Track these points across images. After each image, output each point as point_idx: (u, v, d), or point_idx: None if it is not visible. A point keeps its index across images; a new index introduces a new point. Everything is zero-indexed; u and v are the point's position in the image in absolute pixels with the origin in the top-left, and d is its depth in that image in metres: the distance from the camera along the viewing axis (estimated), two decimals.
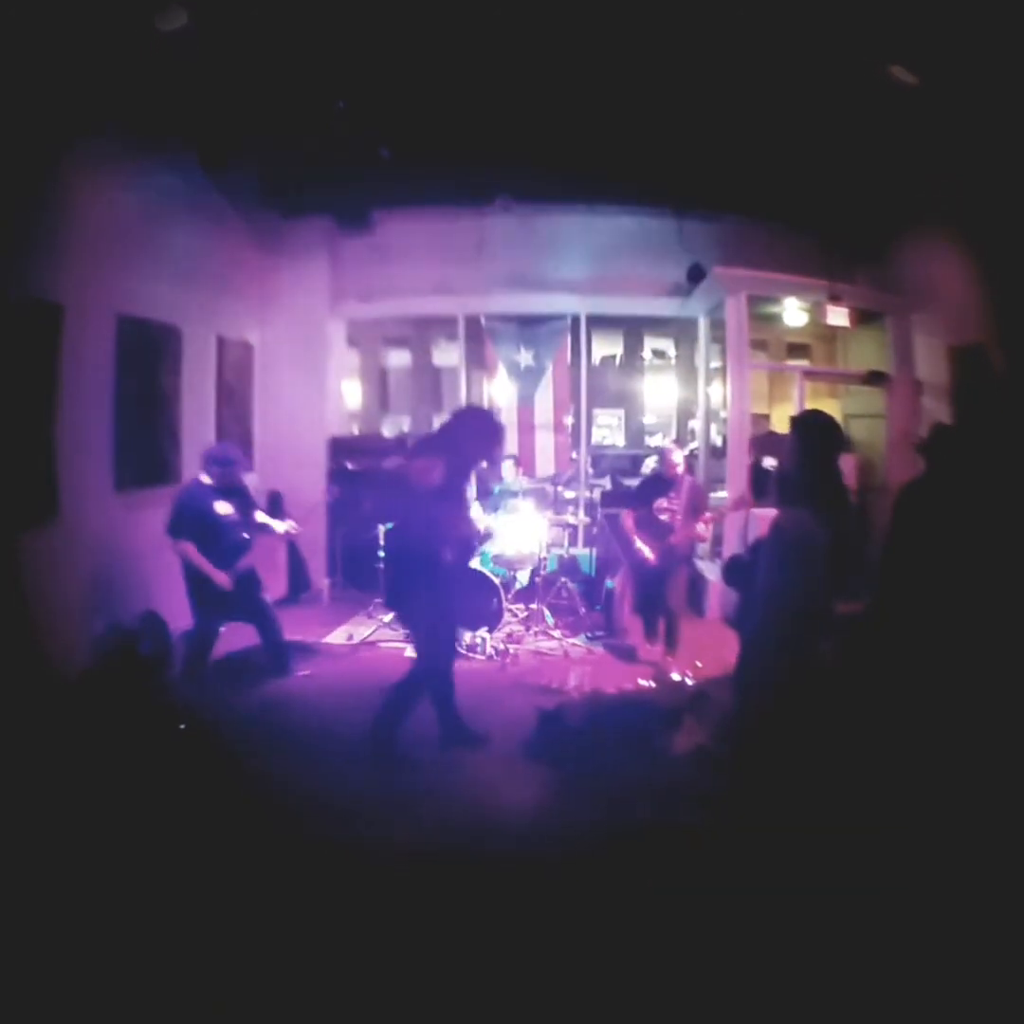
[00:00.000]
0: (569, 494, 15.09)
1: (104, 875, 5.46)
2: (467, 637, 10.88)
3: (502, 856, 5.98)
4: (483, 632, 10.97)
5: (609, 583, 12.12)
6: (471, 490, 7.88)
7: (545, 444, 15.12)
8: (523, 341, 14.85)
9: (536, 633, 11.74)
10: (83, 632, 8.81)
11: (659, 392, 29.08)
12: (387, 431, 24.74)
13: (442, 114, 10.17)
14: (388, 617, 11.81)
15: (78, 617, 8.86)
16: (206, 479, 9.29)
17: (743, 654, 6.44)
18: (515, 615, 12.08)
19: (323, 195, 12.51)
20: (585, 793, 6.95)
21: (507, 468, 13.37)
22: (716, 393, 16.19)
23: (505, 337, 14.89)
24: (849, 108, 9.27)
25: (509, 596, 11.92)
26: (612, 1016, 4.36)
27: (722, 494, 13.42)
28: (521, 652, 11.08)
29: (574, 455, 15.88)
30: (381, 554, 11.57)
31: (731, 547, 11.83)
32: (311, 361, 14.27)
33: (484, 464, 8.25)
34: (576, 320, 15.01)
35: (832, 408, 14.63)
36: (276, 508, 12.08)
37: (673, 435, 26.15)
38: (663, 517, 10.37)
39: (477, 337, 15.28)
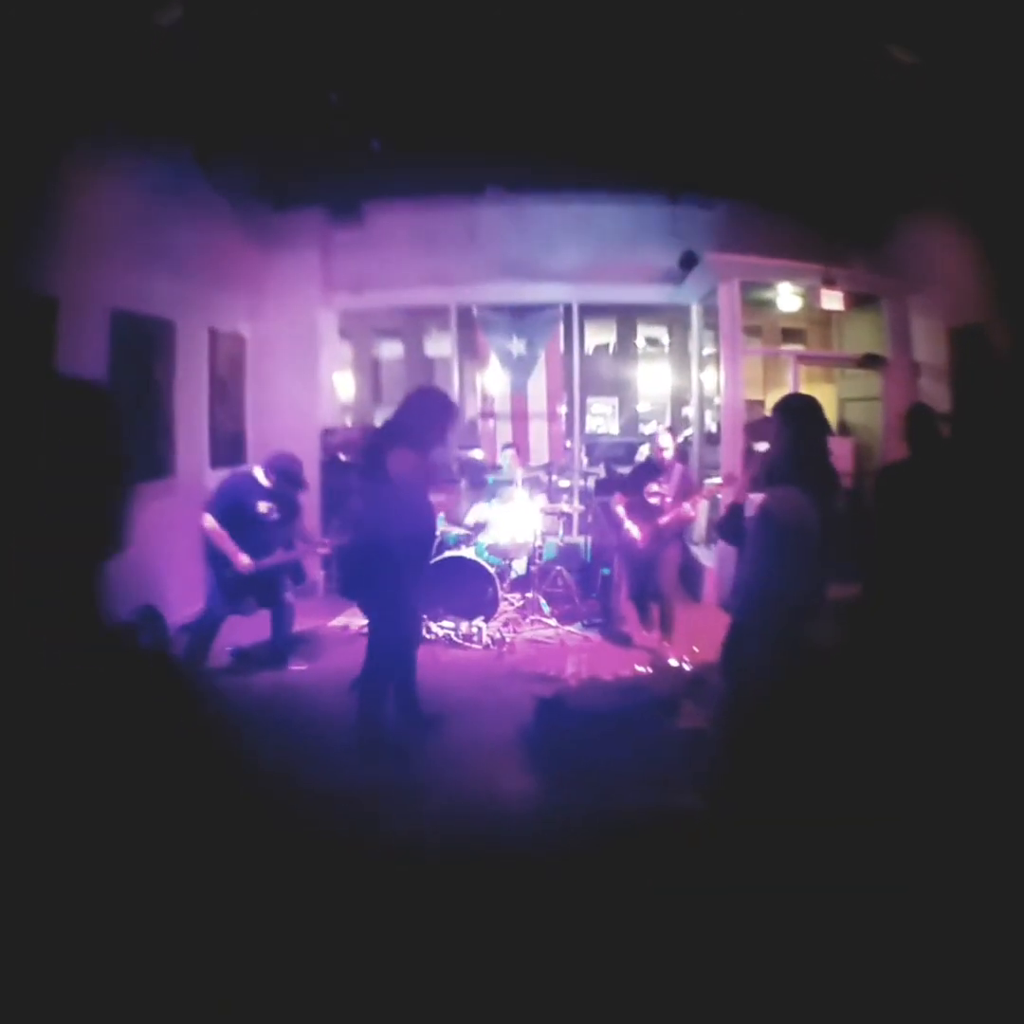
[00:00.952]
0: (564, 483, 15.08)
1: (97, 871, 5.44)
2: (464, 626, 10.90)
3: (500, 844, 5.99)
4: (479, 621, 10.98)
5: (605, 570, 12.13)
6: (430, 476, 7.90)
7: (539, 433, 15.11)
8: (515, 330, 14.84)
9: (532, 621, 11.75)
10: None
11: (652, 380, 29.17)
12: (379, 422, 24.77)
13: (433, 104, 10.15)
14: None
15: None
16: (261, 478, 9.39)
17: (732, 637, 6.44)
18: (511, 604, 12.08)
19: (315, 187, 12.51)
20: (582, 780, 6.95)
21: (505, 457, 13.38)
22: (710, 380, 16.19)
23: (497, 327, 14.88)
24: (841, 89, 9.24)
25: (505, 585, 11.93)
26: (610, 1006, 4.36)
27: (717, 480, 13.43)
28: (517, 641, 11.08)
29: (568, 443, 15.87)
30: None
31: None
32: (303, 353, 14.26)
33: (440, 447, 7.95)
34: (568, 309, 15.03)
35: (827, 392, 14.66)
36: None
37: (667, 422, 26.16)
38: (653, 502, 10.40)
39: (469, 327, 15.24)
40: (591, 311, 19.00)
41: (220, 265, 12.61)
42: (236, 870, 5.64)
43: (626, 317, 28.51)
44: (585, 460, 16.79)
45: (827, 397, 9.34)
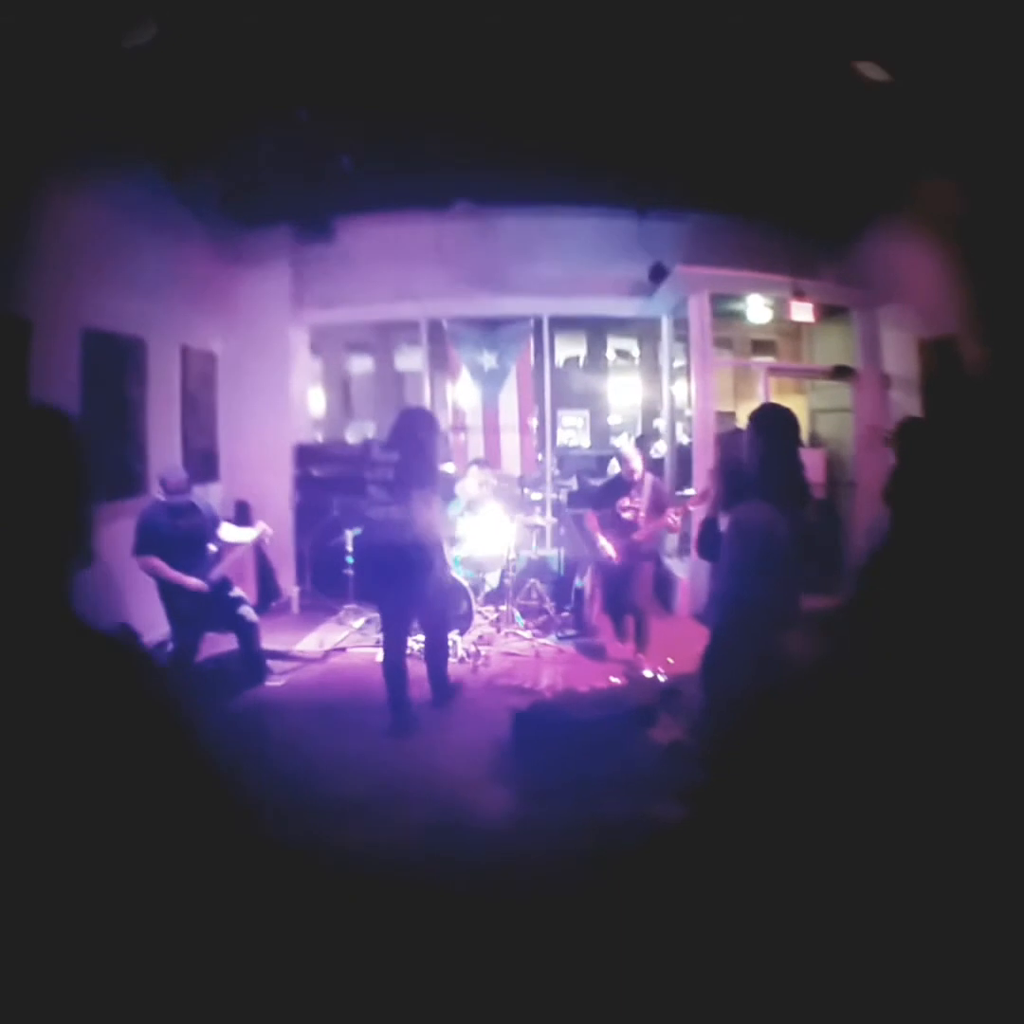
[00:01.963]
0: (536, 496, 15.09)
1: (84, 884, 5.44)
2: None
3: (477, 856, 6.00)
4: (454, 635, 10.98)
5: (578, 583, 12.14)
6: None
7: (510, 446, 15.12)
8: (486, 344, 14.84)
9: (507, 634, 11.78)
10: None
11: (623, 392, 29.17)
12: (351, 437, 24.72)
13: (401, 119, 10.18)
14: (358, 623, 11.87)
15: None
16: (162, 498, 9.37)
17: (710, 649, 6.46)
18: (485, 617, 12.08)
19: (284, 204, 12.52)
20: (559, 791, 6.96)
21: (474, 472, 13.40)
22: (680, 392, 16.24)
23: (468, 340, 14.88)
24: (810, 102, 9.29)
25: (479, 599, 11.93)
26: (591, 1013, 4.37)
27: (690, 492, 13.47)
28: (492, 654, 11.11)
29: (540, 457, 15.88)
30: (350, 559, 11.73)
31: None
32: (274, 369, 14.26)
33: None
34: (539, 322, 15.03)
35: (798, 404, 14.69)
36: (243, 518, 12.08)
37: (638, 435, 26.17)
38: (627, 516, 10.42)
39: (440, 341, 15.25)
40: (561, 324, 19.03)
41: (191, 283, 12.60)
42: (219, 885, 5.65)
43: (596, 330, 28.52)
44: (557, 472, 16.77)
45: (798, 409, 9.36)
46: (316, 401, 20.92)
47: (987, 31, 7.31)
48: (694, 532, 8.05)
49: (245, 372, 13.94)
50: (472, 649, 10.98)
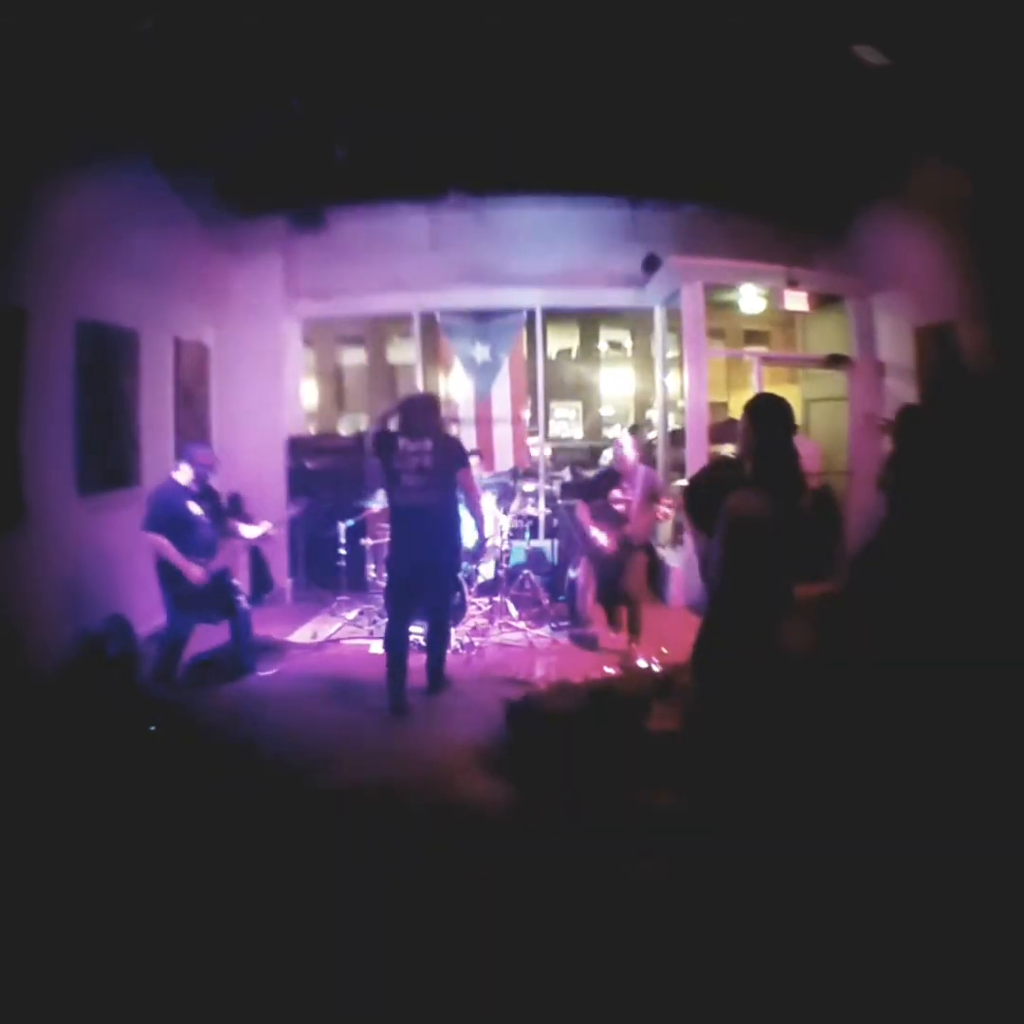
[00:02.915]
0: (529, 487, 15.08)
1: (76, 878, 5.45)
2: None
3: (471, 847, 6.00)
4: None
5: (572, 573, 12.13)
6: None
7: (503, 438, 15.11)
8: (479, 336, 14.82)
9: (500, 625, 11.75)
10: (50, 637, 8.78)
11: (616, 383, 29.22)
12: (344, 430, 24.73)
13: (395, 110, 10.16)
14: (352, 615, 11.87)
15: (44, 622, 8.83)
16: (181, 478, 9.37)
17: (699, 640, 6.46)
18: (479, 608, 12.08)
19: (278, 195, 12.49)
20: (554, 781, 6.96)
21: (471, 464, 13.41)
22: (673, 383, 16.21)
23: (460, 332, 14.86)
24: (804, 89, 9.27)
25: (472, 590, 11.92)
26: (581, 1005, 4.38)
27: (682, 482, 13.47)
28: (486, 645, 11.10)
29: (533, 448, 15.87)
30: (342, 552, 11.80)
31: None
32: (267, 361, 14.23)
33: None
34: (531, 313, 15.00)
35: (792, 393, 14.70)
36: (237, 510, 12.08)
37: (630, 425, 26.19)
38: (619, 507, 10.43)
39: (432, 333, 15.24)
40: (554, 315, 19.00)
41: (184, 274, 12.58)
42: (215, 875, 5.66)
43: (589, 321, 28.57)
44: (550, 464, 16.75)
45: (792, 398, 9.37)
46: (309, 393, 20.93)
47: (982, 14, 7.31)
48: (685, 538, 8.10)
49: (238, 364, 13.92)
50: (466, 640, 10.96)
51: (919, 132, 9.51)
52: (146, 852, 5.78)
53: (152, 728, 7.63)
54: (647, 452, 13.11)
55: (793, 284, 12.94)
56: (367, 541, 12.26)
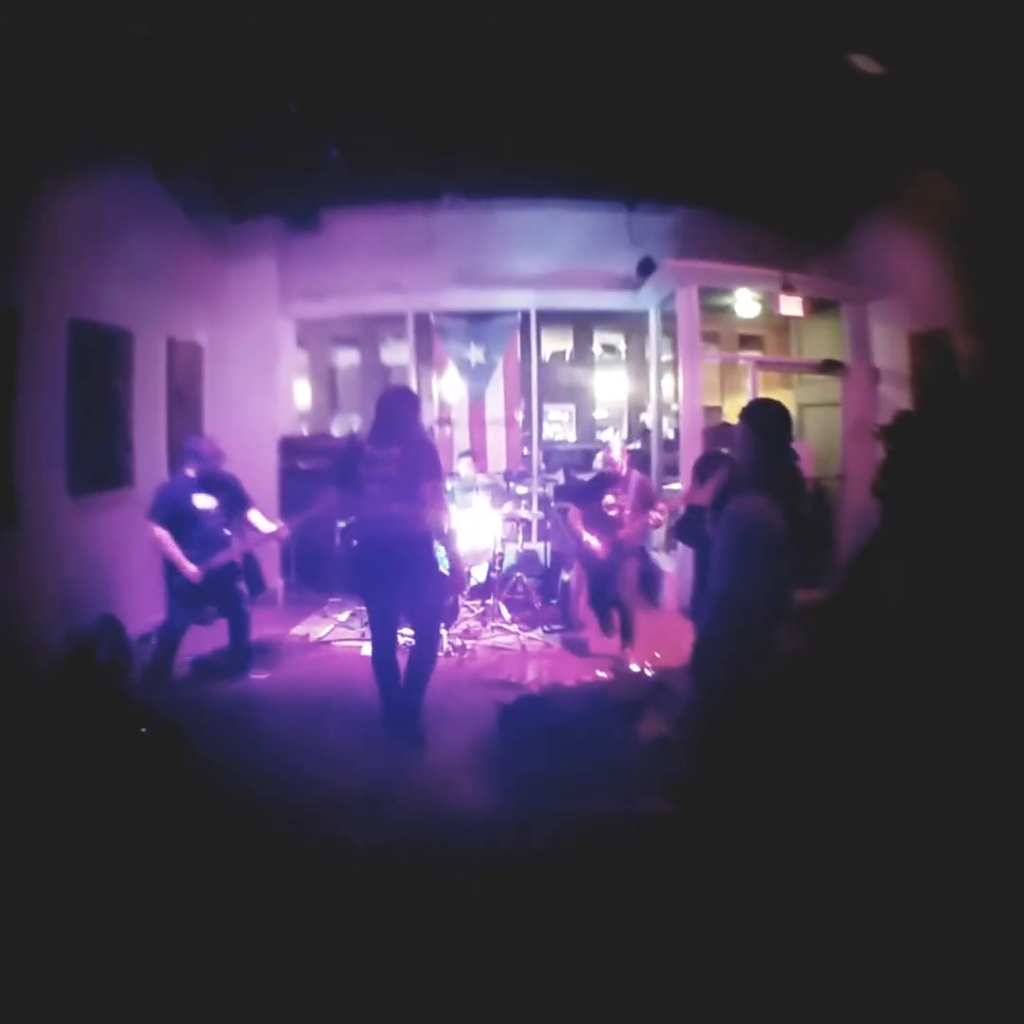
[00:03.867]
0: (522, 489, 15.08)
1: (69, 881, 5.43)
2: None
3: (462, 851, 5.98)
4: (439, 628, 10.95)
5: (564, 576, 12.14)
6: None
7: (497, 440, 15.10)
8: (473, 337, 14.82)
9: (493, 628, 11.75)
10: (40, 638, 8.75)
11: (610, 387, 29.23)
12: (337, 430, 24.70)
13: (391, 111, 10.13)
14: (343, 616, 11.84)
15: (35, 623, 8.80)
16: (190, 472, 9.43)
17: (699, 644, 6.44)
18: (471, 611, 12.06)
19: (272, 196, 12.47)
20: (545, 786, 6.94)
21: (462, 465, 13.39)
22: (667, 386, 16.22)
23: (454, 334, 14.86)
24: (801, 95, 9.26)
25: (465, 592, 11.91)
26: (577, 1007, 4.36)
27: (676, 486, 13.48)
28: (478, 647, 11.07)
29: (526, 451, 15.87)
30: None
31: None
32: (261, 362, 14.17)
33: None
34: (526, 316, 15.00)
35: (785, 398, 14.69)
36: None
37: (624, 429, 26.21)
38: (612, 513, 10.44)
39: (426, 334, 15.22)
40: (548, 318, 18.98)
41: (178, 274, 12.55)
42: (207, 879, 5.64)
43: (583, 324, 28.57)
44: (543, 466, 16.76)
45: (786, 403, 9.37)
46: (302, 394, 20.90)
47: (979, 23, 7.30)
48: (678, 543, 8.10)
49: (231, 364, 13.87)
50: (458, 643, 10.93)
51: (916, 140, 9.51)
52: (131, 857, 5.75)
53: (142, 731, 7.59)
54: (634, 457, 13.12)
55: (788, 289, 12.94)
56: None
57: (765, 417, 6.34)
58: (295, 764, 7.36)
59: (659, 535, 13.88)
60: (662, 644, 10.27)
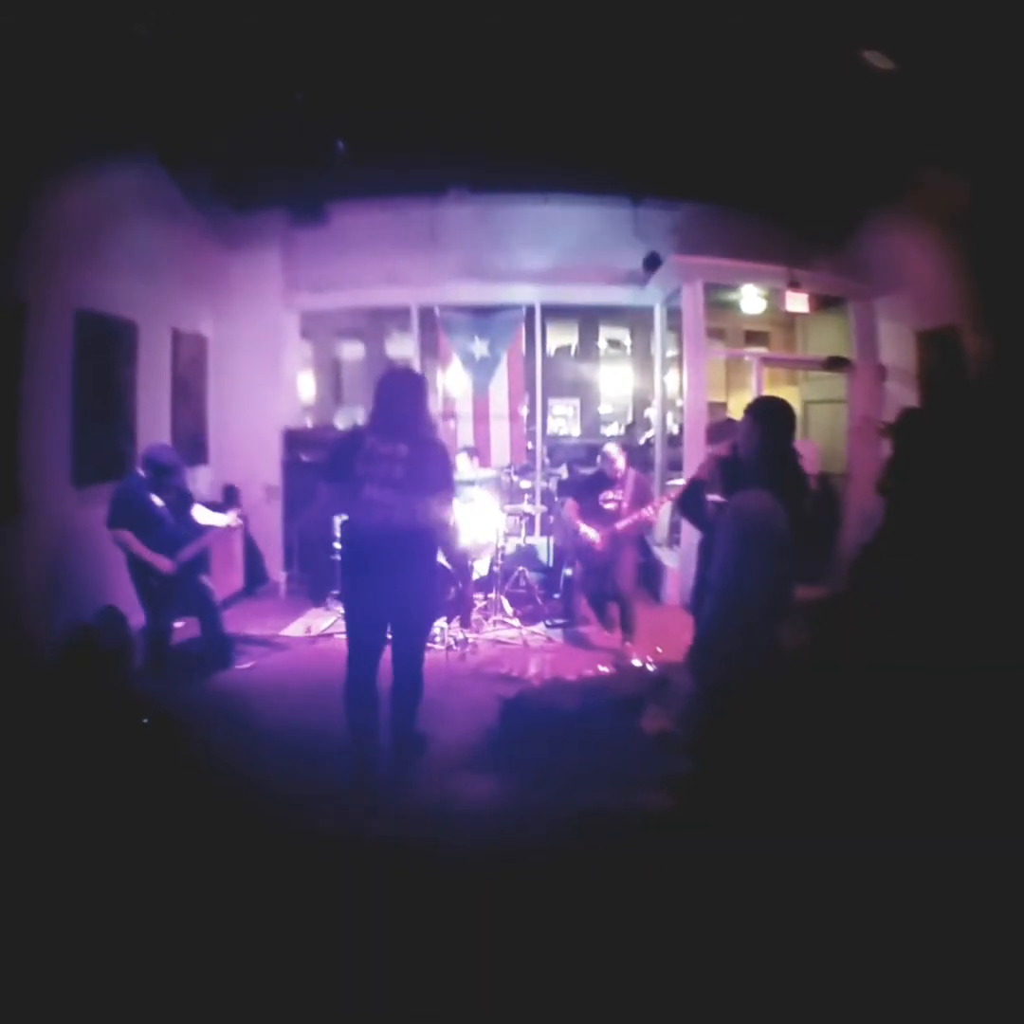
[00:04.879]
0: (525, 484, 15.07)
1: (68, 872, 5.43)
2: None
3: (463, 845, 5.97)
4: (441, 622, 10.94)
5: (567, 571, 12.14)
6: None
7: (501, 434, 15.09)
8: (477, 331, 14.79)
9: (495, 622, 11.77)
10: (43, 628, 8.75)
11: (615, 381, 29.20)
12: (340, 423, 24.69)
13: (397, 104, 10.12)
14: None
15: (38, 612, 8.81)
16: (142, 473, 9.33)
17: (701, 639, 6.44)
18: (473, 605, 12.04)
19: (278, 188, 12.45)
20: (546, 780, 6.93)
21: (461, 460, 13.40)
22: (672, 382, 16.20)
23: (459, 327, 14.84)
24: (808, 90, 9.23)
25: (470, 586, 11.92)
26: (577, 1002, 4.36)
27: (679, 481, 13.48)
28: (480, 641, 11.07)
29: (530, 445, 15.86)
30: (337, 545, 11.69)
31: (687, 532, 11.86)
32: (265, 354, 14.19)
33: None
34: (531, 310, 14.99)
35: (791, 395, 14.68)
36: (231, 502, 12.06)
37: (629, 423, 26.22)
38: (608, 507, 10.49)
39: (431, 328, 15.19)
40: (553, 312, 18.98)
41: (183, 266, 12.55)
42: (205, 870, 5.63)
43: (588, 319, 28.55)
44: (547, 461, 16.75)
45: (791, 400, 9.36)
46: (306, 386, 20.91)
47: (988, 19, 7.28)
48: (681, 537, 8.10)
49: (236, 356, 13.88)
50: (460, 636, 10.91)
51: (924, 137, 9.48)
52: (130, 847, 5.75)
53: (145, 721, 7.59)
54: (641, 454, 13.13)
55: (794, 285, 12.91)
56: None
57: (770, 413, 6.35)
58: (291, 756, 7.36)
59: (661, 530, 13.89)
60: (664, 639, 10.27)
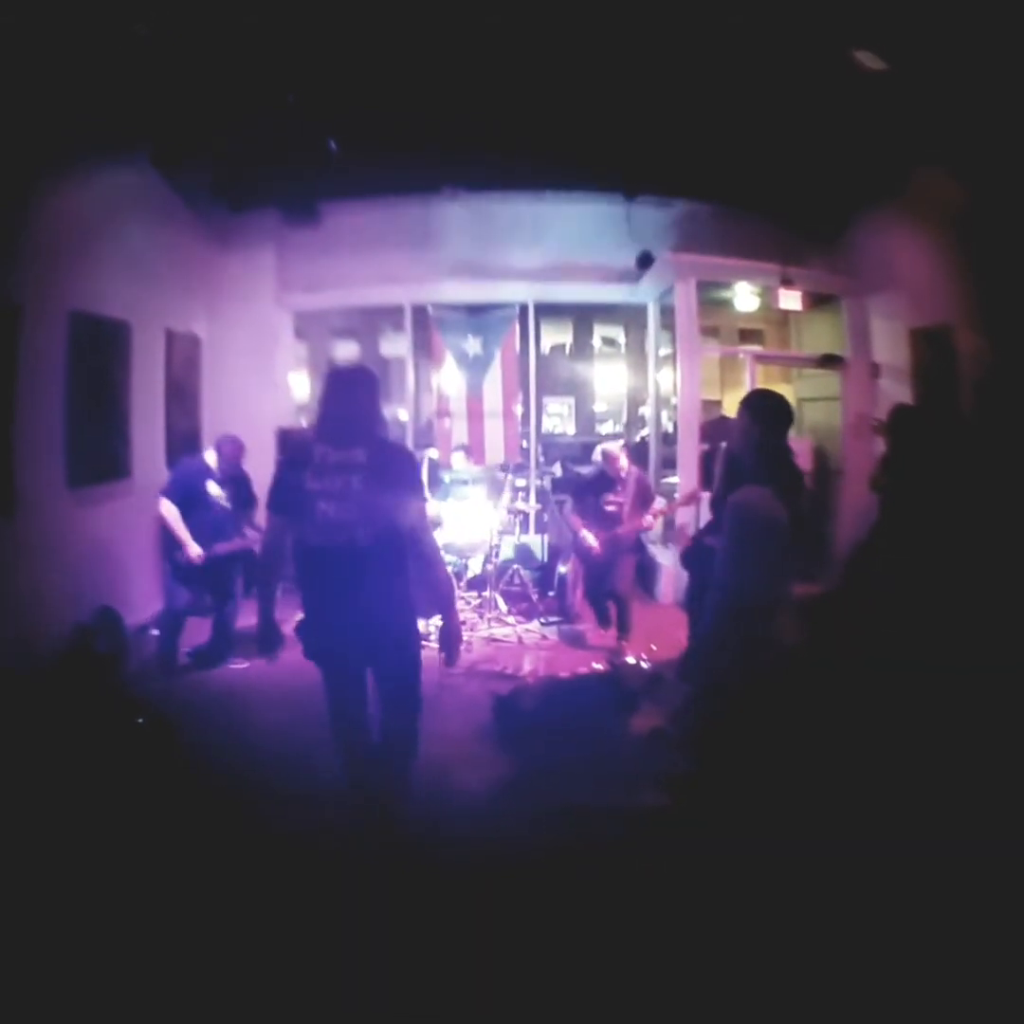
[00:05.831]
0: (520, 482, 15.07)
1: (64, 871, 5.43)
2: (420, 625, 10.83)
3: (457, 842, 5.98)
4: (436, 620, 10.94)
5: (561, 569, 12.15)
6: None
7: (495, 432, 15.10)
8: (471, 329, 14.81)
9: (490, 620, 11.77)
10: (39, 629, 8.76)
11: (609, 379, 29.17)
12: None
13: (389, 103, 10.12)
14: None
15: (34, 614, 8.80)
16: (209, 459, 9.65)
17: (702, 636, 6.44)
18: (468, 603, 12.07)
19: (271, 188, 12.45)
20: (541, 778, 6.95)
21: (457, 458, 13.40)
22: (666, 380, 16.20)
23: (453, 326, 14.85)
24: (801, 89, 9.24)
25: (461, 584, 11.93)
26: (570, 999, 4.37)
27: (673, 479, 13.50)
28: (475, 639, 11.08)
29: (524, 443, 15.86)
30: None
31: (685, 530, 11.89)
32: (259, 353, 14.20)
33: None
34: (524, 308, 15.01)
35: (785, 392, 14.69)
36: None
37: (624, 421, 26.22)
38: (610, 509, 10.46)
39: (424, 326, 15.21)
40: (547, 311, 19.01)
41: (176, 266, 12.54)
42: (203, 869, 5.64)
43: (583, 317, 28.54)
44: (541, 459, 16.74)
45: (783, 396, 9.37)
46: (300, 386, 20.90)
47: (981, 18, 7.30)
48: (678, 547, 8.11)
49: (229, 356, 13.88)
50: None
51: (917, 136, 9.49)
52: (126, 848, 5.76)
53: (140, 721, 7.59)
54: (635, 452, 13.14)
55: (788, 283, 12.92)
56: None
57: (764, 407, 6.34)
58: (287, 756, 7.36)
59: (657, 529, 13.90)
60: (658, 637, 10.30)
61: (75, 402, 9.76)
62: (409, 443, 14.44)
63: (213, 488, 9.51)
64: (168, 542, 9.44)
